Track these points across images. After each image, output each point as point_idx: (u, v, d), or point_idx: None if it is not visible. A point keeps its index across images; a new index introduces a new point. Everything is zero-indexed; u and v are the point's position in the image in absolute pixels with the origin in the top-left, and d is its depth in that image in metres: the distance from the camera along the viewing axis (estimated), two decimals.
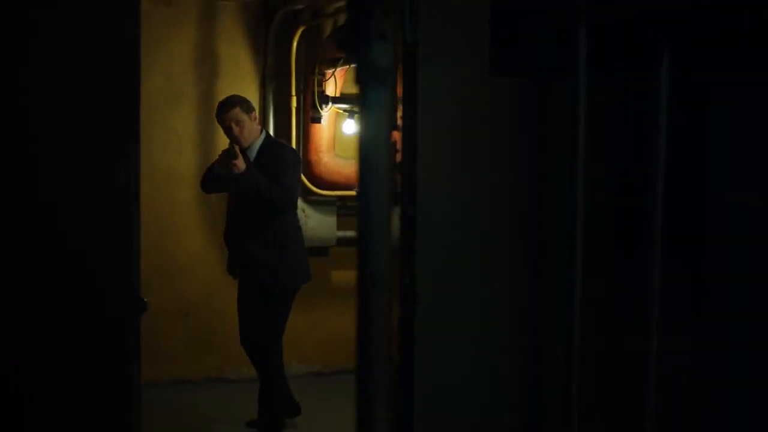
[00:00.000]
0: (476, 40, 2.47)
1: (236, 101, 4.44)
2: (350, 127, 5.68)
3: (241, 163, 4.26)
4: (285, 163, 4.40)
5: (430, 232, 2.47)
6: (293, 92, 5.59)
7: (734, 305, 2.42)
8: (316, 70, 5.52)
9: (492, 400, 2.60)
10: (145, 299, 2.55)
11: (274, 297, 4.43)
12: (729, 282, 2.44)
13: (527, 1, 2.44)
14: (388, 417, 1.15)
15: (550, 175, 2.58)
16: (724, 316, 2.44)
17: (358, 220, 1.12)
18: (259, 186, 4.27)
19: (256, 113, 4.55)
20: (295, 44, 5.55)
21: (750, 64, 2.27)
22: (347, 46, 1.16)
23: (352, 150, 5.84)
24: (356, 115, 5.62)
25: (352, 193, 5.67)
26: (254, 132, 4.44)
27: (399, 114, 2.39)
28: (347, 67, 5.34)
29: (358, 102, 1.13)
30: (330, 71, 5.41)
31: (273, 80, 5.62)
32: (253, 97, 5.30)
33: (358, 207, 1.13)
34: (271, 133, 5.43)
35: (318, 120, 5.57)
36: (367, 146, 1.10)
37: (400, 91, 2.39)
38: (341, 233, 5.83)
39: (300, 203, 5.34)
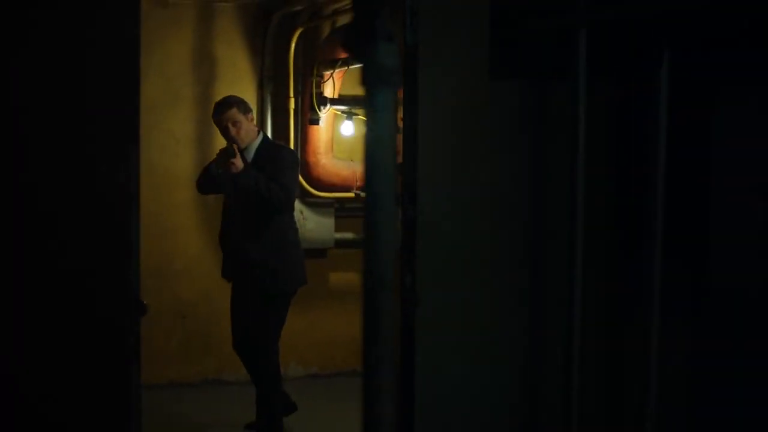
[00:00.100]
0: (476, 41, 2.48)
1: (233, 102, 4.43)
2: (348, 128, 5.67)
3: (239, 162, 4.23)
4: (283, 163, 4.39)
5: (430, 233, 2.47)
6: (291, 94, 5.59)
7: (734, 305, 2.42)
8: (314, 72, 5.51)
9: (492, 400, 2.60)
10: (144, 301, 2.55)
11: (274, 299, 4.42)
12: (729, 282, 2.44)
13: (527, 1, 2.44)
14: (394, 418, 1.15)
15: (550, 176, 2.59)
16: (724, 316, 2.44)
17: (364, 221, 1.11)
18: (258, 184, 4.23)
19: (254, 114, 4.55)
20: (293, 46, 5.54)
21: (750, 64, 2.27)
22: (352, 47, 1.16)
23: (351, 152, 5.84)
24: (355, 117, 5.62)
25: (351, 194, 5.67)
26: (251, 133, 4.43)
27: (399, 115, 2.40)
28: (345, 68, 5.34)
29: (363, 103, 1.13)
30: (328, 73, 5.40)
31: (271, 82, 5.62)
32: (250, 98, 5.30)
33: (364, 208, 1.12)
34: (269, 134, 5.43)
35: (316, 122, 5.56)
36: (373, 147, 1.10)
37: (400, 92, 2.39)
38: (339, 235, 5.83)
39: (298, 205, 5.34)
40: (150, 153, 5.26)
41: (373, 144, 1.10)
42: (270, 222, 4.38)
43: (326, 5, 5.45)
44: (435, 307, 2.48)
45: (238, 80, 5.61)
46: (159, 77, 5.41)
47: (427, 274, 2.46)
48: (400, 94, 2.40)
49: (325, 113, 5.55)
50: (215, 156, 4.42)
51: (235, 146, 4.29)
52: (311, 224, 5.72)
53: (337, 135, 5.73)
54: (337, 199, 5.77)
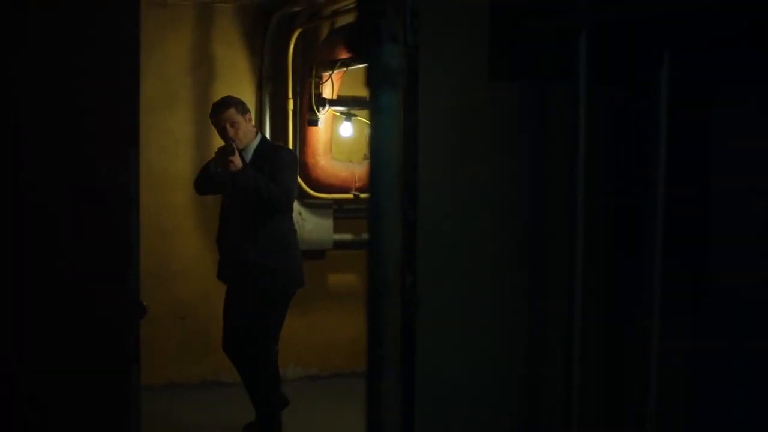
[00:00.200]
0: (476, 41, 2.48)
1: (231, 102, 4.42)
2: (347, 129, 5.67)
3: (237, 161, 4.22)
4: (282, 164, 4.38)
5: (430, 233, 2.47)
6: (290, 95, 5.58)
7: (734, 305, 2.43)
8: (313, 73, 5.50)
9: (492, 400, 2.60)
10: (144, 303, 2.55)
11: (274, 300, 4.41)
12: (729, 282, 2.44)
13: (527, 2, 2.45)
14: (397, 420, 1.15)
15: (551, 176, 2.59)
16: (724, 316, 2.45)
17: (368, 222, 1.11)
18: (257, 183, 4.22)
19: (252, 115, 4.54)
20: (292, 47, 5.54)
21: (750, 64, 2.28)
22: (357, 48, 1.16)
23: (349, 153, 5.83)
24: (354, 118, 5.61)
25: (349, 196, 5.67)
26: (249, 134, 4.42)
27: None
28: (344, 69, 5.34)
29: (368, 104, 1.13)
30: (327, 74, 5.40)
31: (270, 83, 5.61)
32: (249, 99, 5.29)
33: (368, 209, 1.12)
34: (268, 135, 5.42)
35: (315, 123, 5.55)
36: (378, 148, 1.10)
37: None
38: (338, 236, 5.82)
39: (296, 206, 5.33)
40: (149, 154, 5.25)
41: (378, 145, 1.10)
42: (269, 223, 4.37)
43: (325, 6, 5.44)
44: (435, 308, 2.48)
45: (237, 81, 5.61)
46: (158, 78, 5.41)
47: (427, 274, 2.46)
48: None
49: (324, 114, 5.54)
50: (213, 155, 4.41)
51: (233, 145, 4.28)
52: (310, 225, 5.72)
53: (336, 136, 5.72)
54: (336, 201, 5.76)
